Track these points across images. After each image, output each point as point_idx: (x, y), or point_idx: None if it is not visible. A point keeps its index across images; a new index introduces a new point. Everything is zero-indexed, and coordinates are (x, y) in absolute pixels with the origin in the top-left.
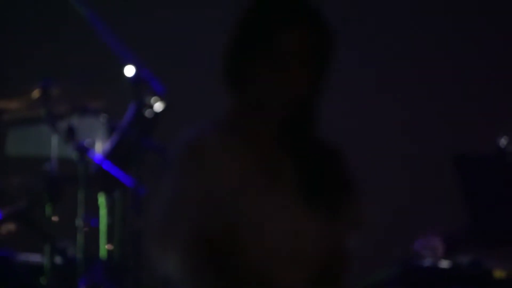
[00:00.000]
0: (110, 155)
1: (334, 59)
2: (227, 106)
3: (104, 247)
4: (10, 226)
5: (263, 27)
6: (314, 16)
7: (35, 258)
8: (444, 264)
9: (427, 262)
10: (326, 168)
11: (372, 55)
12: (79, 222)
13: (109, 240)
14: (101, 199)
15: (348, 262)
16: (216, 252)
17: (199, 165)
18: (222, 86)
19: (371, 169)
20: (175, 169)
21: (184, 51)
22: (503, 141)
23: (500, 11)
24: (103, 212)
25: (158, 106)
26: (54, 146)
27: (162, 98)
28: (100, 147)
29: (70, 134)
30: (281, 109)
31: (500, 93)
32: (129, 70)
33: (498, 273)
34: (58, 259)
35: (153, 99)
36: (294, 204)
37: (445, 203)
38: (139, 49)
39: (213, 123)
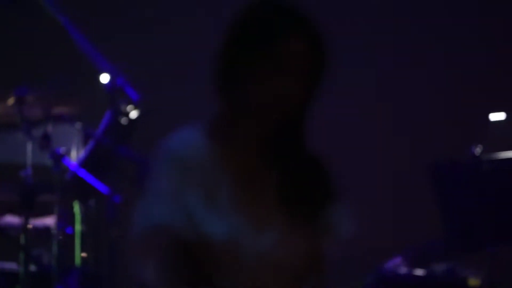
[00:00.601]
0: (85, 163)
1: (327, 69)
2: (214, 112)
3: (79, 255)
4: None
5: (259, 33)
6: (309, 25)
7: (10, 266)
8: (420, 272)
9: (403, 270)
10: (308, 177)
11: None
12: (54, 230)
13: (84, 248)
14: (76, 207)
15: (325, 271)
16: (191, 260)
17: (179, 172)
18: (212, 90)
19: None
20: (155, 175)
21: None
22: (478, 150)
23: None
24: (78, 220)
25: (134, 114)
26: (29, 153)
27: (137, 106)
28: (75, 155)
29: (45, 141)
30: (270, 116)
31: (473, 102)
32: (105, 78)
33: (473, 281)
34: (33, 267)
35: (128, 106)
36: (274, 214)
37: (421, 212)
38: (115, 56)
39: (197, 128)
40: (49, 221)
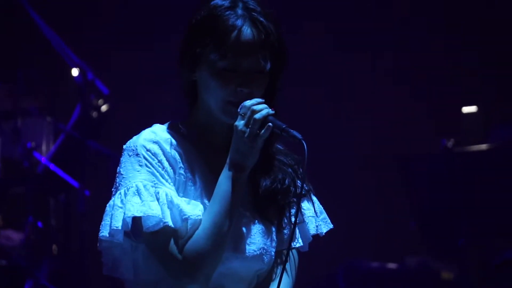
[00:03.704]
0: (55, 157)
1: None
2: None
3: (50, 249)
4: None
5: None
6: (261, 20)
7: None
8: (392, 265)
9: (375, 263)
10: (276, 172)
11: (323, 63)
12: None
13: (55, 241)
14: (47, 201)
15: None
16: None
17: (151, 164)
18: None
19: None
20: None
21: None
22: (450, 143)
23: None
24: (49, 214)
25: (104, 108)
26: None
27: (108, 100)
28: (45, 149)
29: (15, 135)
30: (230, 112)
31: (446, 97)
32: (75, 72)
33: (446, 275)
34: (3, 262)
35: (99, 100)
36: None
37: (393, 206)
38: (86, 51)
39: (167, 125)
40: (14, 236)
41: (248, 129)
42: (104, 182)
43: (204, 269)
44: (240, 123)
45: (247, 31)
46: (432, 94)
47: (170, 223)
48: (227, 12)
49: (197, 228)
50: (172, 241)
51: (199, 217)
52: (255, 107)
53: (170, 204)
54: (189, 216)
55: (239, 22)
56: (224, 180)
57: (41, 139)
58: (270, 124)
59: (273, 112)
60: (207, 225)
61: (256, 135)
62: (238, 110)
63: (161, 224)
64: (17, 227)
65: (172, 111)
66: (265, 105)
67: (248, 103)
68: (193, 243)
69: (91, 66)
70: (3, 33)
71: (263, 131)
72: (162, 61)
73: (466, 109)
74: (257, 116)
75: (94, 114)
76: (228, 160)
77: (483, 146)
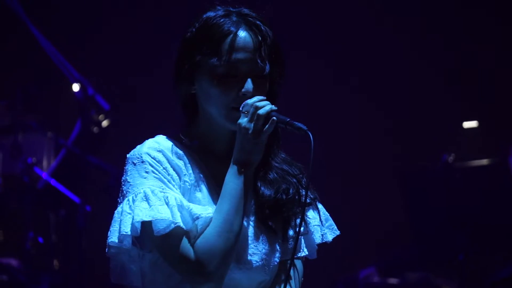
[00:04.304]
0: (56, 172)
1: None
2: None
3: (51, 264)
4: None
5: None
6: (258, 26)
7: None
8: (394, 281)
9: (376, 279)
10: (280, 186)
11: (321, 72)
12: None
13: (56, 256)
14: (48, 216)
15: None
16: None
17: (157, 171)
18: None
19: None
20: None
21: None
22: (450, 158)
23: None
24: (49, 229)
25: (105, 123)
26: (0, 162)
27: (108, 115)
28: (46, 164)
29: (16, 150)
30: (235, 118)
31: (447, 111)
32: (76, 87)
33: None
34: (4, 277)
35: (100, 116)
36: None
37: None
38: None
39: (169, 135)
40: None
41: (252, 125)
42: (104, 197)
43: (217, 267)
44: (243, 120)
45: (243, 35)
46: (433, 109)
47: (181, 224)
48: (222, 20)
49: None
50: (183, 242)
51: (210, 215)
52: (258, 104)
53: (180, 207)
54: (199, 215)
55: (234, 27)
56: (231, 178)
57: (42, 154)
58: (274, 118)
59: (276, 108)
60: (217, 222)
61: (260, 131)
62: (241, 108)
63: (172, 225)
64: (17, 242)
65: (172, 126)
66: (267, 102)
67: (250, 101)
68: (204, 241)
69: (93, 81)
70: (3, 48)
71: (267, 126)
72: (162, 77)
73: (467, 124)
74: (260, 111)
75: (95, 129)
76: (233, 159)
77: (484, 161)
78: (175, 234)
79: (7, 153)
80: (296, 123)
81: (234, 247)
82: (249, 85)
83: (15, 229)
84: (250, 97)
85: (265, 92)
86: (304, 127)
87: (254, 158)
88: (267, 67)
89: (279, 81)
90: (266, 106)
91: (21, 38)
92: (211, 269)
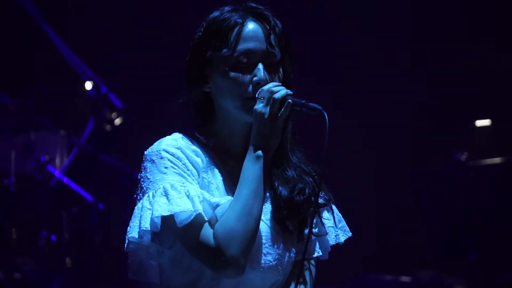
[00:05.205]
0: (69, 170)
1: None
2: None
3: (64, 262)
4: None
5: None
6: (266, 16)
7: None
8: (406, 279)
9: (388, 277)
10: (296, 185)
11: (329, 72)
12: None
13: (68, 255)
14: (61, 214)
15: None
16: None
17: (176, 166)
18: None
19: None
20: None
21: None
22: (463, 156)
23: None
24: (62, 227)
25: (118, 121)
26: (13, 161)
27: (121, 113)
28: (59, 162)
29: (29, 149)
30: (251, 109)
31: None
32: (89, 86)
33: None
34: (17, 275)
35: (112, 114)
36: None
37: (406, 220)
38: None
39: (185, 133)
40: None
41: (268, 109)
42: (117, 195)
43: (237, 252)
44: (259, 106)
45: (251, 24)
46: (446, 108)
47: (202, 212)
48: (228, 14)
49: None
50: (203, 229)
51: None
52: (273, 88)
53: (201, 198)
54: (219, 202)
55: (241, 19)
56: (248, 165)
57: (55, 152)
58: (289, 100)
59: (291, 92)
60: (236, 208)
61: (276, 115)
62: (257, 95)
63: (194, 214)
64: (30, 241)
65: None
66: (283, 87)
67: (266, 87)
68: (223, 225)
69: (104, 80)
70: (17, 47)
71: (282, 109)
72: (175, 76)
73: (480, 123)
74: (276, 95)
75: (108, 127)
76: (250, 145)
77: (497, 160)
78: (197, 223)
79: (20, 151)
80: (311, 104)
81: (254, 232)
82: (261, 72)
83: (28, 227)
84: (264, 85)
85: (279, 80)
86: (319, 107)
87: (272, 143)
88: (278, 53)
89: (291, 69)
90: (281, 91)
91: (34, 37)
92: (231, 253)
